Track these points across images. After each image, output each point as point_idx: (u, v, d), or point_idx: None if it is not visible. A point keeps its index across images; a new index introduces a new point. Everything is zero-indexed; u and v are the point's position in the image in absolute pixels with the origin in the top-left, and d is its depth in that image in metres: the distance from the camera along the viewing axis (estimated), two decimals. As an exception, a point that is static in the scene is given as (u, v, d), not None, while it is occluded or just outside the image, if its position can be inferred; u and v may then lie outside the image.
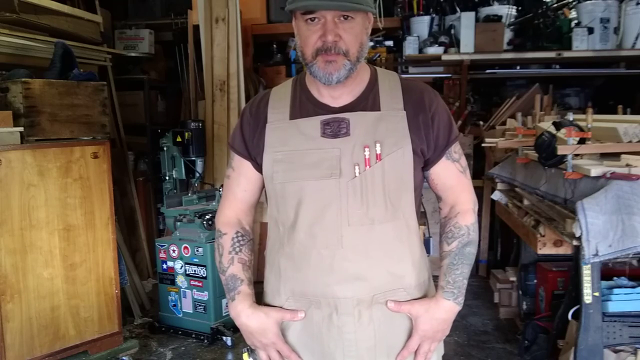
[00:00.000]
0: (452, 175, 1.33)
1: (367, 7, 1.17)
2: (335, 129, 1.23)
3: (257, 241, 4.48)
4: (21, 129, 2.50)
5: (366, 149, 1.21)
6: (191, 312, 3.48)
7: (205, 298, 3.41)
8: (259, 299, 1.36)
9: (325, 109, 1.26)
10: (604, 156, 2.52)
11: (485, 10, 4.75)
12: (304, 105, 1.28)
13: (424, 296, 1.31)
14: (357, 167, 1.21)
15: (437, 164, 1.31)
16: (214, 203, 3.60)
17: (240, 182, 1.36)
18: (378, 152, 1.21)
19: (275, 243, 1.32)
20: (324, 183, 1.21)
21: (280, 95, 1.31)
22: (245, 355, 1.43)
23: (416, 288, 1.30)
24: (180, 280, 3.49)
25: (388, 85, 1.29)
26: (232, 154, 1.36)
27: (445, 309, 1.25)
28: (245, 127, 1.32)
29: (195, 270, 3.43)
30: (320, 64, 1.18)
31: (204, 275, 3.39)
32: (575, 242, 2.26)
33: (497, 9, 4.73)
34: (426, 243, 1.52)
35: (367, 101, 1.26)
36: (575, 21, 4.67)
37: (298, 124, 1.25)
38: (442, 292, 1.26)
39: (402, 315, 1.27)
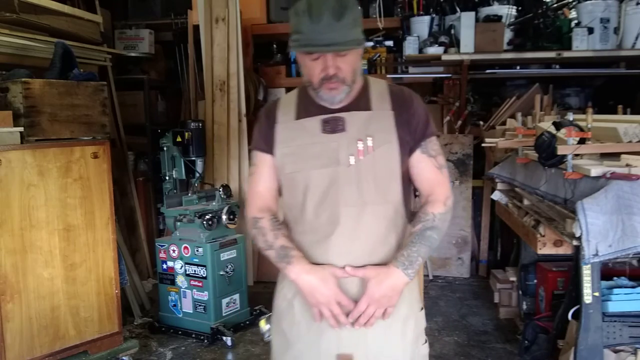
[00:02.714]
0: (428, 168, 1.50)
1: (358, 45, 1.39)
2: (333, 126, 1.45)
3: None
4: (21, 129, 2.50)
5: (359, 142, 1.43)
6: (191, 312, 3.48)
7: (205, 298, 3.41)
8: (269, 299, 1.47)
9: (325, 110, 1.47)
10: (604, 156, 2.52)
11: (485, 10, 4.74)
12: (308, 107, 1.50)
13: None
14: (352, 157, 1.43)
15: (414, 154, 1.49)
16: (213, 203, 3.60)
17: (264, 173, 1.53)
18: (370, 144, 1.43)
19: (291, 224, 1.53)
20: (325, 171, 1.43)
21: (288, 101, 1.55)
22: (262, 322, 1.65)
23: None
24: (180, 280, 3.49)
25: (378, 90, 1.51)
26: (254, 153, 1.55)
27: (393, 276, 1.39)
28: (263, 127, 1.54)
29: (195, 270, 3.43)
30: (325, 90, 1.41)
31: (204, 275, 3.39)
32: (575, 242, 2.26)
33: (497, 9, 4.72)
34: None
35: (360, 103, 1.48)
36: (575, 21, 4.67)
37: (303, 123, 1.48)
38: (395, 261, 1.41)
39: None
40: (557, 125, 2.52)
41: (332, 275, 1.40)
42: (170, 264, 3.53)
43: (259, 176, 1.54)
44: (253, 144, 1.56)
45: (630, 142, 2.43)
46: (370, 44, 5.20)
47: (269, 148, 1.51)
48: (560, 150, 2.43)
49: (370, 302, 1.39)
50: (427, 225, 1.45)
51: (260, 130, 1.55)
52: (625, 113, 3.57)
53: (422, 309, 1.58)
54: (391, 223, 1.46)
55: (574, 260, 2.46)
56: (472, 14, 4.61)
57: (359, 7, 1.41)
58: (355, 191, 1.42)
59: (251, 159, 1.59)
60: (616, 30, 4.52)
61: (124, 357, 2.98)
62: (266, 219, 1.51)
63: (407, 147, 1.47)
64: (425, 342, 1.60)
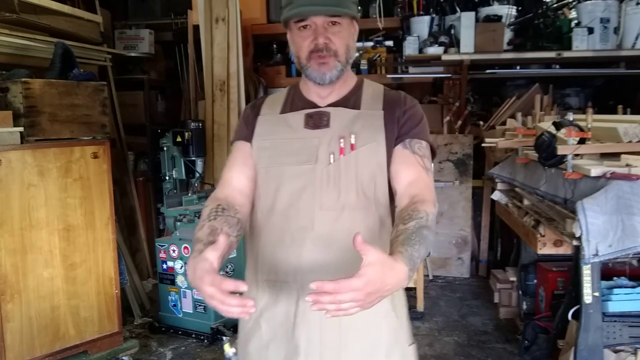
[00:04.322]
0: (412, 166, 1.28)
1: (352, 12, 1.30)
2: (317, 121, 1.33)
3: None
4: (21, 129, 2.50)
5: (342, 140, 1.29)
6: (191, 312, 3.48)
7: (205, 298, 3.41)
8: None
9: (312, 105, 1.37)
10: (604, 156, 2.52)
11: (485, 10, 4.74)
12: (295, 102, 1.40)
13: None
14: (332, 155, 1.29)
15: (396, 149, 1.30)
16: (214, 203, 3.60)
17: (237, 158, 1.39)
18: (352, 142, 1.29)
19: (253, 230, 1.38)
20: (301, 168, 1.30)
21: (276, 97, 1.46)
22: (226, 346, 1.45)
23: None
24: (180, 280, 3.49)
25: (372, 92, 1.40)
26: (234, 145, 1.44)
27: (397, 272, 1.01)
28: (247, 118, 1.44)
29: (195, 270, 3.42)
30: (314, 65, 1.30)
31: (204, 275, 3.39)
32: (575, 242, 2.26)
33: (497, 9, 4.73)
34: None
35: (349, 102, 1.37)
36: (575, 21, 4.67)
37: (286, 117, 1.37)
38: (401, 255, 1.04)
39: (373, 309, 1.04)
40: (557, 125, 2.52)
41: (203, 259, 1.06)
42: (170, 264, 3.53)
43: (232, 162, 1.40)
44: (234, 136, 1.45)
45: (630, 142, 2.43)
46: (370, 44, 5.21)
47: (248, 138, 1.39)
48: (560, 150, 2.43)
49: (359, 288, 0.95)
50: (422, 223, 1.14)
51: (245, 121, 1.43)
52: (625, 113, 3.57)
53: (412, 343, 1.37)
54: (375, 234, 1.27)
55: (574, 260, 2.46)
56: (472, 14, 4.61)
57: None
58: (334, 193, 1.27)
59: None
60: (616, 30, 4.52)
61: (124, 357, 2.98)
62: (208, 208, 1.29)
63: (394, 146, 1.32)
64: None
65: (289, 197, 1.29)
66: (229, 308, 1.02)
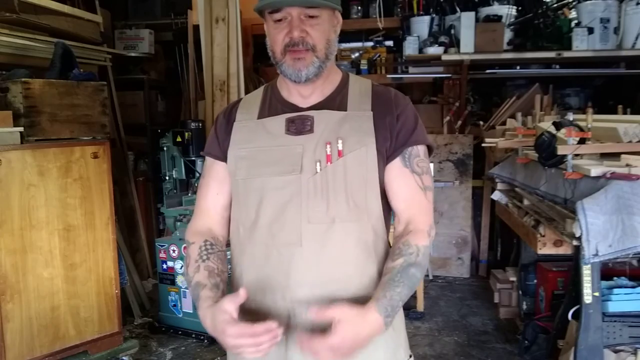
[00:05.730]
0: (409, 187, 1.23)
1: (331, 3, 1.18)
2: (299, 126, 1.22)
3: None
4: (21, 129, 2.50)
5: (328, 146, 1.19)
6: (191, 312, 3.48)
7: (205, 298, 3.41)
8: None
9: (292, 108, 1.26)
10: (604, 156, 2.53)
11: (485, 10, 4.74)
12: (273, 105, 1.28)
13: None
14: (318, 164, 1.19)
15: (393, 164, 1.23)
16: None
17: (211, 186, 1.31)
18: (340, 148, 1.19)
19: (235, 248, 1.30)
20: (285, 179, 1.19)
21: (251, 99, 1.33)
22: None
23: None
24: (180, 280, 3.49)
25: (358, 89, 1.29)
26: (206, 161, 1.35)
27: (371, 324, 1.07)
28: (219, 129, 1.32)
29: (195, 270, 3.42)
30: (289, 61, 1.19)
31: (204, 275, 3.39)
32: (575, 242, 2.26)
33: (497, 9, 4.73)
34: None
35: (334, 102, 1.26)
36: (575, 21, 4.67)
37: (264, 123, 1.26)
38: (376, 303, 1.08)
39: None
40: (557, 125, 2.52)
41: (220, 310, 1.08)
42: (170, 264, 3.53)
43: (206, 189, 1.31)
44: (205, 149, 1.34)
45: (630, 142, 2.44)
46: (370, 44, 5.21)
47: (222, 153, 1.28)
48: (560, 150, 2.43)
49: (335, 348, 1.03)
50: (410, 260, 1.14)
51: (217, 132, 1.31)
52: (625, 113, 3.57)
53: (410, 356, 1.31)
54: (369, 247, 1.21)
55: (574, 260, 2.46)
56: (472, 14, 4.61)
57: None
58: (322, 205, 1.18)
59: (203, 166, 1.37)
60: (616, 30, 4.52)
61: (124, 357, 2.98)
62: (196, 245, 1.26)
63: (387, 154, 1.23)
64: None
65: (273, 210, 1.20)
66: (262, 347, 1.05)
